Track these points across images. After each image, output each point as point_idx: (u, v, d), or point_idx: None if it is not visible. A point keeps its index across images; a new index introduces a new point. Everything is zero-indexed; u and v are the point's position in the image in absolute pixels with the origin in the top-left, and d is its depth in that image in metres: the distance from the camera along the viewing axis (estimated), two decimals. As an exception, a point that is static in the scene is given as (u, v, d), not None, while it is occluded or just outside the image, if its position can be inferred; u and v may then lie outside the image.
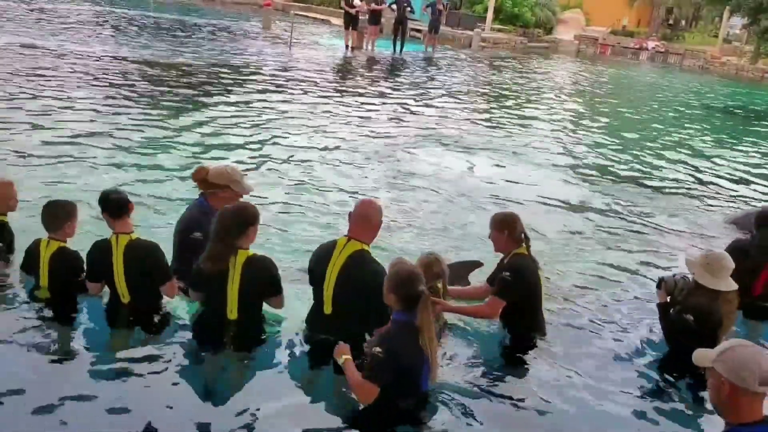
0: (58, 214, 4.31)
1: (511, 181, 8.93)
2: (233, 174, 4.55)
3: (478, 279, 5.36)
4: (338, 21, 25.74)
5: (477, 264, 5.54)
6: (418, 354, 3.50)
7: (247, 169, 8.04)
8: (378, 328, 3.95)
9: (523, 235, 4.51)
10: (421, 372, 3.56)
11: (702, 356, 2.68)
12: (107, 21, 21.40)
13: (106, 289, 4.29)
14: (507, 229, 4.49)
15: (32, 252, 4.38)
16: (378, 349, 3.46)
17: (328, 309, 4.05)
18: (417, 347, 3.49)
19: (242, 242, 3.97)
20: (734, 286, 4.37)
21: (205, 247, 4.12)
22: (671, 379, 4.39)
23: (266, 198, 7.02)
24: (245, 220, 3.97)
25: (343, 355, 3.63)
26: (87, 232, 4.85)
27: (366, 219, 4.04)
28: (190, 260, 4.16)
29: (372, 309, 3.90)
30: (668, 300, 4.63)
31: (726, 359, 2.55)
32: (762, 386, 2.49)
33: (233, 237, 3.93)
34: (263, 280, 4.03)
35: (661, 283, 4.68)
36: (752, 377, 2.49)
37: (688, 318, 4.35)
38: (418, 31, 25.58)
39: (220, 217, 3.96)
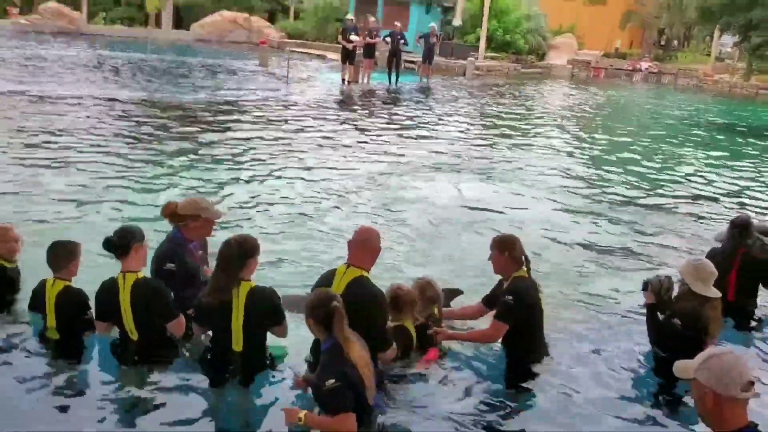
0: (62, 255, 4.40)
1: (509, 206, 8.98)
2: (202, 202, 4.69)
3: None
4: (333, 56, 26.08)
5: (457, 292, 5.58)
6: (353, 369, 3.53)
7: (245, 202, 8.18)
8: (381, 353, 4.03)
9: (523, 257, 4.55)
10: (362, 386, 3.56)
11: (683, 368, 2.68)
12: (105, 64, 21.75)
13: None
14: (508, 250, 4.52)
15: (38, 292, 4.47)
16: (331, 381, 3.46)
17: None
18: (350, 363, 3.53)
19: (244, 273, 4.05)
20: (719, 294, 4.54)
21: (178, 277, 4.25)
22: (662, 391, 4.46)
23: (264, 228, 7.14)
24: (246, 251, 4.06)
25: (297, 414, 3.56)
26: (90, 267, 4.94)
27: (364, 246, 4.13)
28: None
29: (374, 333, 3.96)
30: (655, 301, 4.69)
31: (707, 368, 2.56)
32: (744, 392, 2.51)
33: (236, 269, 4.00)
34: (266, 310, 4.09)
35: (647, 285, 4.75)
36: (734, 384, 2.50)
37: (675, 322, 4.46)
38: (413, 62, 25.88)
39: (223, 250, 4.04)
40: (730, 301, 5.42)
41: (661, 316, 4.66)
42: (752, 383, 2.53)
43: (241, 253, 4.03)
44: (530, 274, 4.59)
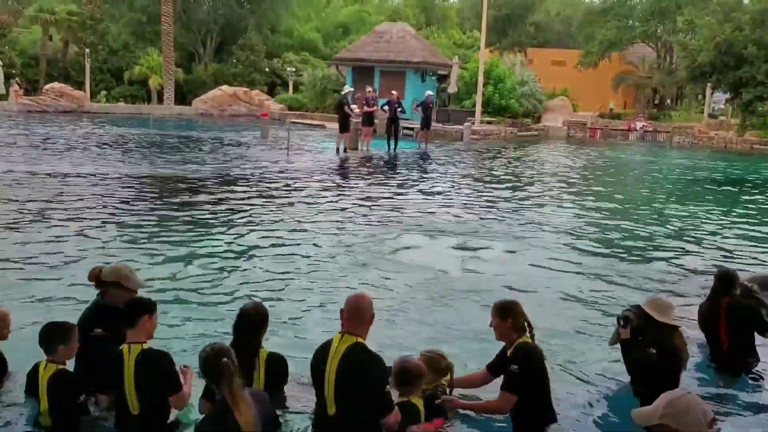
0: (54, 337, 4.28)
1: (510, 268, 8.89)
2: (123, 270, 4.69)
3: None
4: (332, 125, 26.53)
5: None
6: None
7: (246, 269, 8.17)
8: (383, 418, 3.95)
9: (526, 323, 4.45)
10: None
11: (646, 415, 2.71)
12: (109, 140, 22.17)
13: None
14: (510, 317, 4.42)
15: (32, 376, 4.32)
16: None
17: (331, 409, 3.95)
18: (233, 424, 3.34)
19: (261, 341, 4.08)
20: (675, 322, 4.90)
21: (107, 342, 4.25)
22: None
23: (263, 295, 7.06)
24: (263, 317, 4.11)
25: None
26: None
27: (357, 312, 4.05)
28: (92, 359, 4.28)
29: (375, 398, 3.91)
30: (629, 336, 4.94)
31: (672, 412, 2.61)
32: (710, 429, 2.60)
33: (257, 336, 4.04)
34: (284, 377, 4.07)
35: (627, 321, 4.91)
36: (699, 422, 2.58)
37: (650, 352, 4.66)
38: (411, 128, 26.32)
39: (243, 319, 4.03)
40: (724, 352, 5.62)
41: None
42: (715, 419, 2.64)
43: (260, 319, 4.07)
44: (534, 339, 4.48)
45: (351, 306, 4.08)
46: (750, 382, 5.55)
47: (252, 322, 4.02)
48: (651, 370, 4.68)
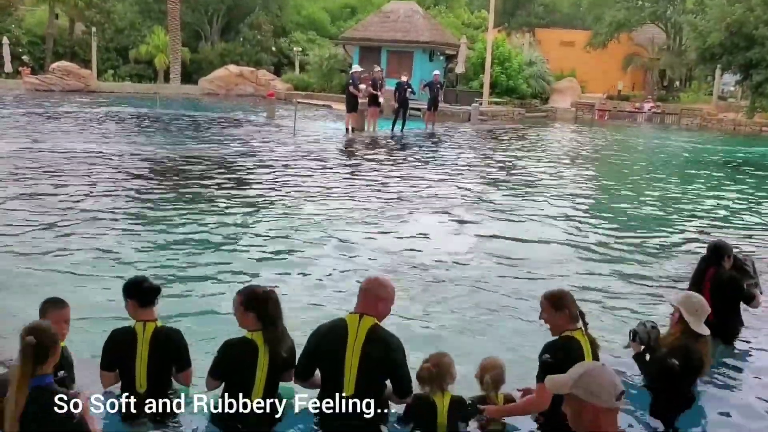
0: (53, 313, 4.13)
1: (516, 251, 8.89)
2: None
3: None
4: (338, 106, 26.44)
5: None
6: None
7: (253, 248, 8.20)
8: (403, 398, 4.03)
9: (578, 312, 4.15)
10: None
11: (558, 384, 2.76)
12: (116, 119, 22.20)
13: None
14: (566, 307, 4.13)
15: None
16: None
17: (349, 390, 3.92)
18: None
19: None
20: (708, 331, 4.58)
21: None
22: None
23: (264, 277, 7.09)
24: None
25: None
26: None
27: (375, 295, 4.05)
28: None
29: (398, 381, 3.98)
30: (642, 350, 4.71)
31: (583, 384, 2.66)
32: (618, 401, 2.64)
33: (282, 317, 4.04)
34: (287, 358, 4.07)
35: (635, 336, 4.72)
36: (609, 395, 2.62)
37: (673, 363, 4.38)
38: (418, 109, 26.19)
39: (271, 302, 4.00)
40: (711, 320, 5.52)
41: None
42: (623, 392, 2.67)
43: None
44: (587, 328, 4.18)
45: (370, 287, 4.08)
46: (735, 350, 5.73)
47: (278, 301, 4.03)
48: (670, 379, 4.41)
